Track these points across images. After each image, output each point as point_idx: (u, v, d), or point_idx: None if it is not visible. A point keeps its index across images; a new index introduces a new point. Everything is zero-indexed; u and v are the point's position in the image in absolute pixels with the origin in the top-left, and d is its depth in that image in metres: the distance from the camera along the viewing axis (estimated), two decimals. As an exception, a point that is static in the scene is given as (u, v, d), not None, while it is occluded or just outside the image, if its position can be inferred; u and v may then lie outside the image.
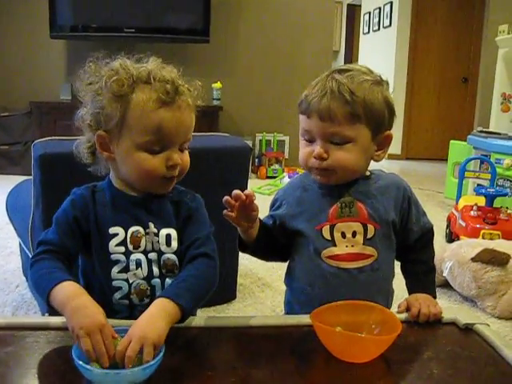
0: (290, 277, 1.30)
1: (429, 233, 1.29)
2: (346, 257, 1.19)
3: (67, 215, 1.09)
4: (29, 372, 0.89)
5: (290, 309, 1.31)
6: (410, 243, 1.27)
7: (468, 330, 1.10)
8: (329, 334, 0.95)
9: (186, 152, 1.12)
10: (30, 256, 2.00)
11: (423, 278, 1.27)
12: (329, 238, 1.19)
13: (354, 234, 1.19)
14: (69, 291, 0.96)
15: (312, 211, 1.21)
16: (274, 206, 1.29)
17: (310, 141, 1.18)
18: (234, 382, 0.90)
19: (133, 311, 1.10)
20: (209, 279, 1.09)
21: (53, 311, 0.98)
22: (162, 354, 0.86)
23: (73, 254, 1.09)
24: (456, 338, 1.09)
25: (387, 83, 1.20)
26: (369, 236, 1.19)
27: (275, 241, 1.24)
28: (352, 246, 1.19)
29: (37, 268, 1.04)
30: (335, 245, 1.19)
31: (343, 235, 1.19)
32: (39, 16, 5.25)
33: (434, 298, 1.22)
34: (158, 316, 0.94)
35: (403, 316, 1.13)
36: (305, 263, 1.23)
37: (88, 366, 0.83)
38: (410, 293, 1.25)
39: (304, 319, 1.04)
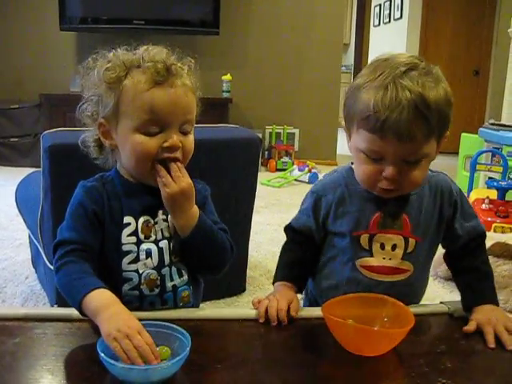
0: (317, 272, 1.25)
1: (478, 238, 1.18)
2: (382, 269, 1.14)
3: (85, 209, 1.07)
4: (37, 363, 0.88)
5: (312, 297, 1.29)
6: (456, 249, 1.19)
7: (482, 323, 1.08)
8: (340, 326, 0.94)
9: (190, 136, 1.09)
10: (40, 247, 2.02)
11: (477, 286, 1.15)
12: (366, 248, 1.14)
13: (393, 247, 1.13)
14: (103, 299, 0.95)
15: (352, 215, 1.14)
16: (310, 199, 1.21)
17: (376, 159, 1.05)
18: (243, 375, 0.89)
19: (142, 302, 1.09)
20: (225, 246, 1.14)
21: (62, 304, 0.98)
22: (187, 350, 0.85)
23: (95, 249, 1.07)
24: (468, 333, 1.06)
25: (437, 68, 1.06)
26: (409, 250, 1.14)
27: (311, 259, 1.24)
28: (390, 259, 1.13)
29: (64, 272, 1.01)
30: (372, 255, 1.14)
31: (382, 246, 1.13)
32: (49, 8, 5.25)
33: (497, 304, 1.13)
34: None
35: (415, 310, 1.11)
36: (336, 265, 1.19)
37: (113, 361, 0.82)
38: (465, 306, 1.13)
39: (315, 312, 1.03)
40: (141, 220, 1.09)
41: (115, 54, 1.09)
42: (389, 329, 0.98)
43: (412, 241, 1.13)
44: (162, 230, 1.10)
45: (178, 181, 1.05)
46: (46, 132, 1.88)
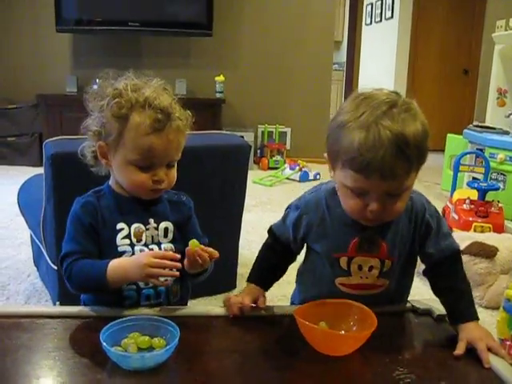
0: (301, 280, 1.38)
1: (451, 257, 1.24)
2: (359, 286, 1.23)
3: (82, 221, 1.23)
4: (49, 355, 1.01)
5: (296, 300, 1.40)
6: (431, 267, 1.26)
7: (440, 320, 1.22)
8: (310, 330, 1.04)
9: (174, 169, 1.26)
10: (42, 247, 2.13)
11: (458, 306, 1.21)
12: (345, 268, 1.22)
13: (370, 268, 1.22)
14: (117, 262, 1.17)
15: (332, 237, 1.23)
16: (294, 213, 1.29)
17: (361, 194, 1.11)
18: (228, 364, 1.03)
19: (139, 295, 1.24)
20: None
21: (64, 301, 1.11)
22: (176, 339, 0.99)
23: (96, 254, 1.22)
24: (429, 328, 1.21)
25: (414, 103, 1.12)
26: (384, 270, 1.22)
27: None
28: (366, 277, 1.22)
29: (77, 270, 1.18)
30: (350, 275, 1.23)
31: (360, 268, 1.22)
32: (45, 9, 5.33)
33: (477, 318, 1.18)
34: None
35: (382, 308, 1.22)
36: (316, 279, 1.29)
37: (113, 350, 0.96)
38: (451, 323, 1.20)
39: (292, 309, 1.15)
40: (133, 226, 1.25)
41: (124, 86, 1.21)
42: (355, 331, 1.09)
43: (388, 262, 1.22)
44: (152, 236, 1.26)
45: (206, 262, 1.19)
46: (47, 140, 1.99)
